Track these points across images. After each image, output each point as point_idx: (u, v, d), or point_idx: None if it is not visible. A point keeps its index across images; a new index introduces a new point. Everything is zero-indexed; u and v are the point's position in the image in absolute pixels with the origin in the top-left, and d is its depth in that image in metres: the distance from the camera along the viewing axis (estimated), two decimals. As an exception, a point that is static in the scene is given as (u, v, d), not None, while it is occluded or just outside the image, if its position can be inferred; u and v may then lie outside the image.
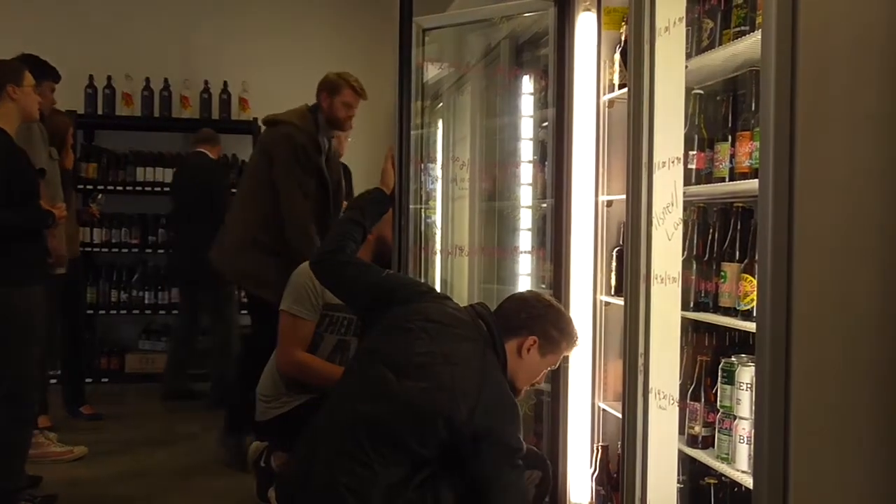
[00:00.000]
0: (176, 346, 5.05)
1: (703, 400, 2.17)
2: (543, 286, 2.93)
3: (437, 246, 3.32)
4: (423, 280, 2.91)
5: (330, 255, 2.37)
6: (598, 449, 2.68)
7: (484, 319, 2.13)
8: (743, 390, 1.98)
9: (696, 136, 2.19)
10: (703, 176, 2.17)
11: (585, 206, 2.76)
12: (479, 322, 2.12)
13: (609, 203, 2.74)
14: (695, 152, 2.18)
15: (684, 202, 1.93)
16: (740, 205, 2.12)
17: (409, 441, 1.95)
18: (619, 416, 2.25)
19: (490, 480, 2.00)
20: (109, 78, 5.65)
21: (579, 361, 2.78)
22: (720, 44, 2.08)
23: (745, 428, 1.98)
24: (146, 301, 5.68)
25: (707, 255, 2.19)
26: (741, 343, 2.19)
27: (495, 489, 2.00)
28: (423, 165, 3.00)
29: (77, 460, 3.81)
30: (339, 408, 2.09)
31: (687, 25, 1.98)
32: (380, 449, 1.94)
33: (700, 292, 2.18)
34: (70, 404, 4.46)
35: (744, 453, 1.98)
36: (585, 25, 2.76)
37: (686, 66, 2.01)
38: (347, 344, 2.88)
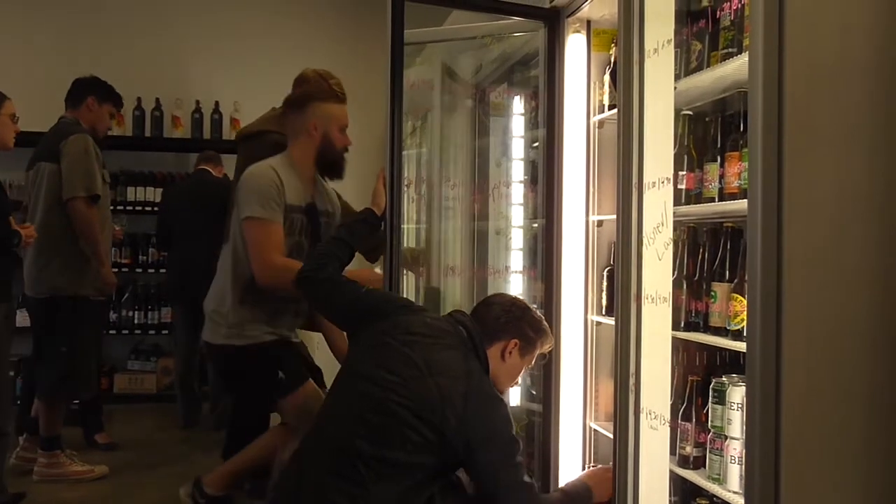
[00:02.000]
0: (184, 370, 4.92)
1: (694, 420, 2.16)
2: (535, 306, 2.93)
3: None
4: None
5: (312, 272, 2.39)
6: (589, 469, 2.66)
7: (464, 326, 2.17)
8: (734, 410, 1.98)
9: (686, 157, 2.20)
10: (693, 196, 2.19)
11: (576, 226, 2.77)
12: (460, 329, 2.15)
13: (600, 223, 2.75)
14: (684, 173, 2.19)
15: (674, 222, 1.94)
16: (730, 225, 2.13)
17: (398, 455, 1.94)
18: (611, 436, 2.24)
19: (493, 486, 2.02)
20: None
21: (571, 382, 2.78)
22: (708, 65, 2.10)
23: (736, 448, 1.97)
24: (136, 321, 5.64)
25: (697, 275, 2.20)
26: (732, 363, 2.19)
27: (501, 494, 2.02)
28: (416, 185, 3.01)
29: (99, 479, 3.78)
30: (327, 427, 2.09)
31: (676, 47, 2.00)
32: (371, 465, 1.93)
33: (690, 312, 2.18)
34: (88, 430, 4.39)
35: (735, 474, 1.97)
36: (575, 47, 2.79)
37: (675, 88, 2.02)
38: (302, 246, 2.75)
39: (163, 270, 5.66)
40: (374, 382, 2.03)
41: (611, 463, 2.16)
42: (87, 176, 3.65)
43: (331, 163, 2.83)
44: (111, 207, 4.61)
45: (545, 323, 2.33)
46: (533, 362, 2.32)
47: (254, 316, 2.69)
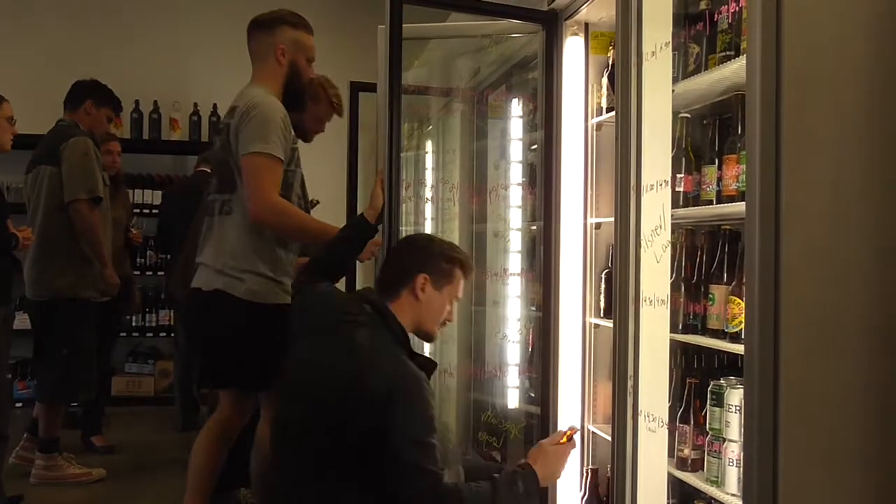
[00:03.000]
0: (184, 373, 4.88)
1: (692, 422, 2.16)
2: (533, 308, 2.93)
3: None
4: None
5: (305, 284, 2.37)
6: (587, 472, 2.67)
7: (367, 300, 2.07)
8: (732, 413, 1.98)
9: (684, 160, 2.20)
10: (691, 199, 2.19)
11: (574, 229, 2.77)
12: (364, 306, 2.05)
13: (598, 225, 2.75)
14: (682, 175, 2.19)
15: (672, 225, 1.94)
16: (728, 227, 2.13)
17: (334, 442, 1.90)
18: (609, 438, 2.24)
19: (392, 463, 1.85)
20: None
21: (569, 384, 2.78)
22: (706, 68, 2.10)
23: (734, 451, 1.97)
24: (133, 323, 5.64)
25: (695, 278, 2.20)
26: (730, 365, 2.20)
27: (397, 473, 1.86)
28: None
29: (96, 482, 3.77)
30: (276, 465, 2.08)
31: (673, 50, 2.00)
32: (320, 457, 1.91)
33: (688, 315, 2.18)
34: (86, 433, 4.39)
35: (733, 476, 1.97)
36: (573, 50, 2.79)
37: (673, 90, 2.03)
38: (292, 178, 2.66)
39: (160, 273, 5.67)
40: (297, 374, 2.04)
41: (609, 467, 2.16)
42: (89, 178, 3.65)
43: (296, 94, 2.69)
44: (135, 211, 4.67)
45: (458, 249, 2.21)
46: (460, 294, 2.18)
47: (279, 277, 2.61)
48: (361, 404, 1.86)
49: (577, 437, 2.18)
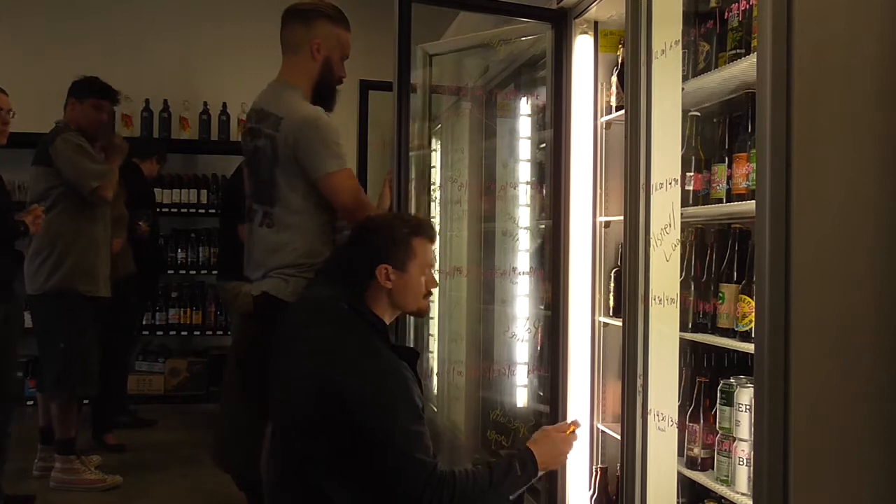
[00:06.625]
0: None
1: (702, 421, 2.16)
2: (542, 307, 2.93)
3: (437, 267, 3.30)
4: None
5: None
6: (597, 471, 2.66)
7: (342, 299, 2.02)
8: (742, 412, 1.98)
9: (694, 158, 2.20)
10: (701, 197, 2.18)
11: (583, 227, 2.77)
12: (342, 305, 2.01)
13: (607, 224, 2.75)
14: (692, 174, 2.19)
15: (682, 223, 1.94)
16: (738, 226, 2.12)
17: (320, 445, 1.88)
18: (618, 437, 2.24)
19: (381, 455, 1.83)
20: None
21: (578, 383, 2.78)
22: (716, 66, 2.10)
23: (744, 450, 1.97)
24: (144, 321, 5.67)
25: (705, 277, 2.19)
26: (740, 364, 2.19)
27: (389, 464, 1.84)
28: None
29: (110, 490, 3.76)
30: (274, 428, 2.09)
31: (683, 48, 2.00)
32: (309, 463, 1.90)
33: (698, 313, 2.18)
34: (97, 430, 4.41)
35: (743, 475, 1.97)
36: (582, 48, 2.79)
37: (683, 89, 2.02)
38: None
39: (170, 271, 5.69)
40: (284, 376, 2.01)
41: (619, 466, 2.16)
42: (87, 170, 3.65)
43: (327, 92, 2.54)
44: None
45: (404, 220, 2.11)
46: (430, 260, 2.10)
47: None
48: (343, 405, 1.83)
49: (577, 433, 2.17)
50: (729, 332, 2.04)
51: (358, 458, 1.85)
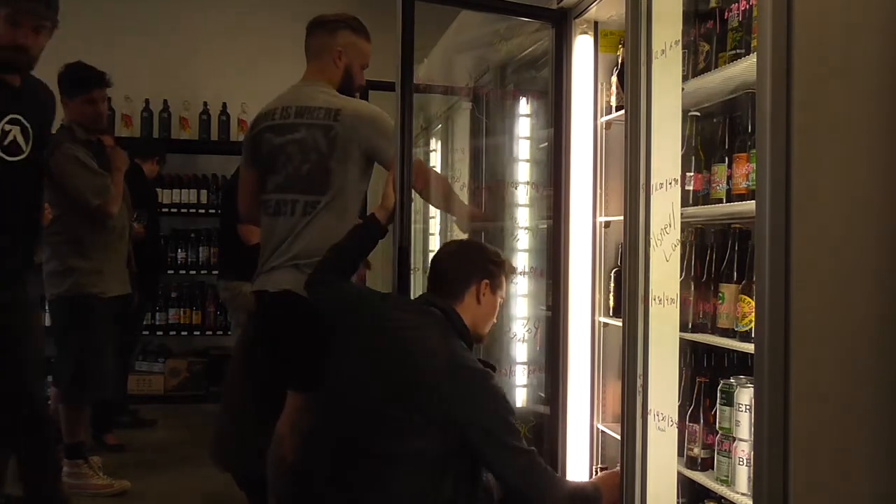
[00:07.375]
0: None
1: (702, 421, 2.16)
2: (542, 307, 2.93)
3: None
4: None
5: (317, 277, 2.40)
6: (597, 471, 2.66)
7: (435, 305, 2.15)
8: (742, 412, 1.98)
9: (694, 158, 2.20)
10: (701, 197, 2.18)
11: (583, 227, 2.77)
12: (433, 309, 2.14)
13: (607, 224, 2.75)
14: (692, 174, 2.19)
15: (682, 223, 1.94)
16: (738, 226, 2.12)
17: (392, 445, 1.94)
18: (618, 437, 2.24)
19: (491, 458, 1.98)
20: (109, 99, 5.65)
21: (578, 383, 2.78)
22: (716, 66, 2.10)
23: (744, 450, 1.97)
24: (144, 321, 5.67)
25: (705, 277, 2.19)
26: (740, 364, 2.19)
27: (499, 463, 1.98)
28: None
29: (117, 495, 3.72)
30: (323, 427, 2.10)
31: (683, 48, 1.99)
32: (369, 460, 1.94)
33: (698, 313, 2.18)
34: (96, 429, 4.37)
35: (743, 475, 1.97)
36: (583, 48, 2.79)
37: (683, 89, 2.02)
38: None
39: (170, 271, 5.70)
40: (354, 375, 2.06)
41: (619, 466, 2.16)
42: (87, 187, 3.61)
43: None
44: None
45: (498, 250, 2.34)
46: (505, 295, 2.30)
47: None
48: (443, 403, 1.93)
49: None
50: (729, 333, 2.04)
51: (452, 453, 1.95)
